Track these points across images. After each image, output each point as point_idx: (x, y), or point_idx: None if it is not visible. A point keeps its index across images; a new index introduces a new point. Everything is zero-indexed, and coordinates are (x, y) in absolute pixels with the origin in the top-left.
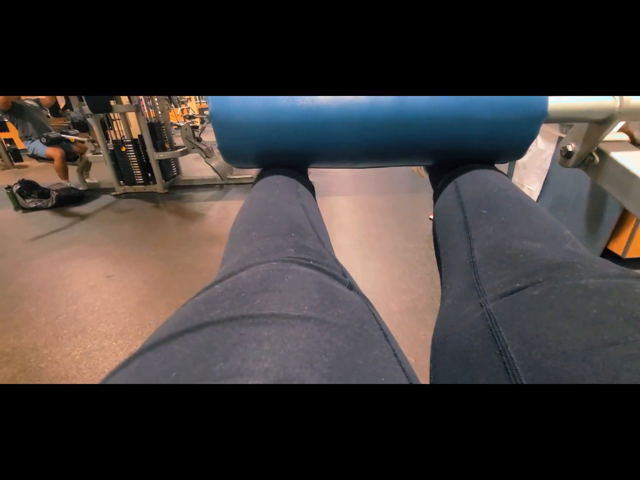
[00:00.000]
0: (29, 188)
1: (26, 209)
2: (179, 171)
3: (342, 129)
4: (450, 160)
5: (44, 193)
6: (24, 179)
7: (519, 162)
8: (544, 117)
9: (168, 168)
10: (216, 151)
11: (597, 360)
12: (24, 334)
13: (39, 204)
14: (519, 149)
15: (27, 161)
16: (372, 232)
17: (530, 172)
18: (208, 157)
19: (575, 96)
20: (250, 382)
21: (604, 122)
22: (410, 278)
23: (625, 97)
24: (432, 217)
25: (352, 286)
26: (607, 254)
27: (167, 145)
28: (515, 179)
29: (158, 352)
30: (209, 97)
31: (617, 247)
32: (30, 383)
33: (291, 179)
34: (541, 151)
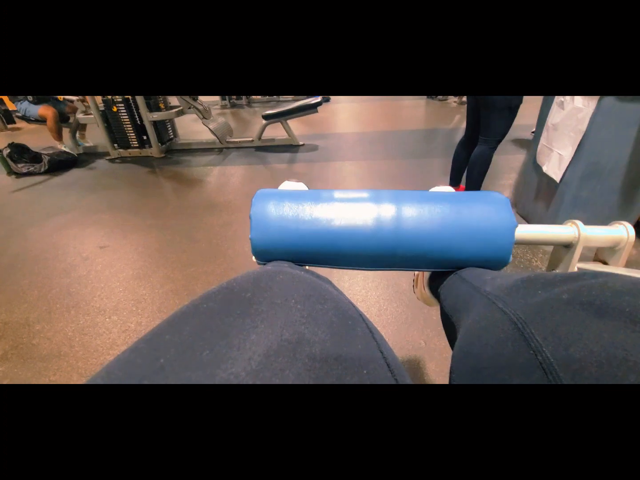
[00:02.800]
0: (19, 152)
1: (19, 174)
2: (175, 134)
3: (351, 254)
4: (447, 268)
5: (35, 157)
6: (13, 142)
7: (549, 122)
8: (509, 254)
9: (164, 130)
10: (214, 112)
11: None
12: (16, 308)
13: (31, 168)
14: (498, 265)
15: (20, 123)
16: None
17: (563, 135)
18: (205, 118)
19: (541, 227)
20: (233, 370)
21: (568, 246)
22: None
23: (582, 228)
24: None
25: (342, 293)
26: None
27: (161, 105)
28: (542, 142)
29: (150, 342)
30: (252, 214)
31: None
32: (22, 360)
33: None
34: (578, 110)
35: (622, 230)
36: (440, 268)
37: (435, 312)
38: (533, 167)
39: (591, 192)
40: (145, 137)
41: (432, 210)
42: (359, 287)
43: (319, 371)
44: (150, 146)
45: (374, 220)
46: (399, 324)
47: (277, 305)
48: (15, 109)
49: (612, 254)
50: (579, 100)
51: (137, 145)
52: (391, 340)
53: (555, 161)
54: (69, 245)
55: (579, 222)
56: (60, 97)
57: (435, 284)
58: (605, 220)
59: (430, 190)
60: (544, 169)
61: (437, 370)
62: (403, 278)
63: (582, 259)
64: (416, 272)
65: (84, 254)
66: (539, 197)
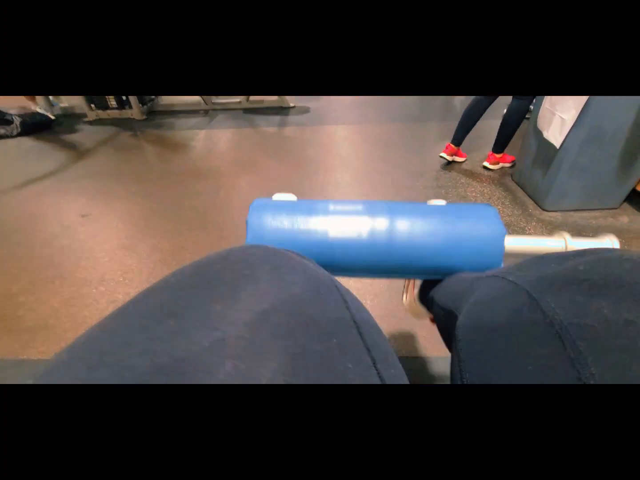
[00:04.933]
0: None
1: None
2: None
3: (345, 265)
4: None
5: (5, 120)
6: None
7: None
8: (499, 262)
9: None
10: None
11: None
12: None
13: (1, 132)
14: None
15: None
16: (375, 167)
17: (567, 97)
18: None
19: (531, 239)
20: (194, 340)
21: None
22: None
23: (570, 243)
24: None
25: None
26: (635, 195)
27: None
28: (546, 105)
29: (116, 314)
30: (249, 222)
31: None
32: (9, 332)
33: None
34: None
35: (607, 243)
36: (433, 276)
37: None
38: (533, 132)
39: (590, 158)
40: (125, 98)
41: (424, 223)
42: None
43: (288, 339)
44: (131, 107)
45: (368, 233)
46: (391, 291)
47: (244, 276)
48: None
49: None
50: None
51: (117, 106)
52: (384, 314)
53: (557, 126)
54: (47, 213)
55: (566, 235)
56: None
57: (426, 292)
58: (602, 189)
59: (426, 202)
60: (545, 134)
61: (428, 337)
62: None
63: None
64: (407, 280)
65: (65, 223)
66: (537, 164)
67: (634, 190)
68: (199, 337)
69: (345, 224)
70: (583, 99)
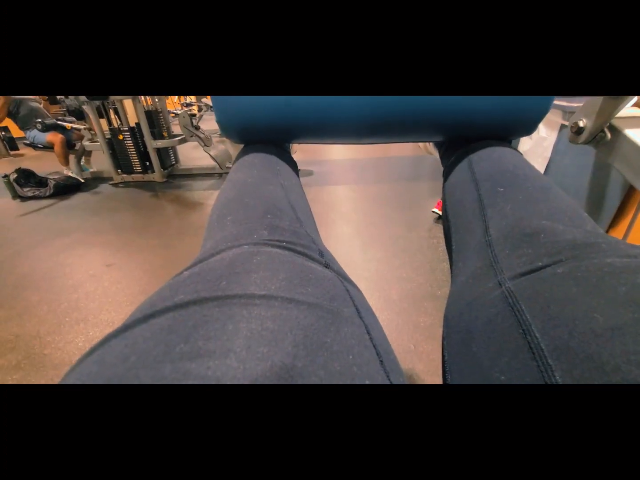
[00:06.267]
0: (26, 177)
1: (24, 198)
2: (177, 160)
3: (337, 100)
4: (462, 136)
5: (41, 182)
6: (20, 168)
7: (521, 150)
8: None
9: (166, 157)
10: (215, 139)
11: (627, 340)
12: (27, 322)
13: (36, 192)
14: (531, 122)
15: (23, 150)
16: (372, 221)
17: (532, 160)
18: (206, 146)
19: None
20: (210, 364)
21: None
22: (410, 267)
23: None
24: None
25: (328, 265)
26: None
27: (164, 134)
28: None
29: (120, 338)
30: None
31: (617, 235)
32: (35, 369)
33: (270, 157)
34: (543, 139)
35: None
36: (458, 129)
37: (423, 319)
38: None
39: None
40: (148, 163)
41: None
42: None
43: (304, 359)
44: (153, 171)
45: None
46: (390, 331)
47: (254, 293)
48: (20, 136)
49: None
50: (543, 130)
51: (141, 170)
52: None
53: None
54: (75, 263)
55: None
56: (68, 126)
57: (444, 156)
58: None
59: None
60: None
61: (425, 370)
62: (393, 290)
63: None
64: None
65: (90, 272)
66: None
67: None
68: (212, 362)
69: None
70: (544, 163)
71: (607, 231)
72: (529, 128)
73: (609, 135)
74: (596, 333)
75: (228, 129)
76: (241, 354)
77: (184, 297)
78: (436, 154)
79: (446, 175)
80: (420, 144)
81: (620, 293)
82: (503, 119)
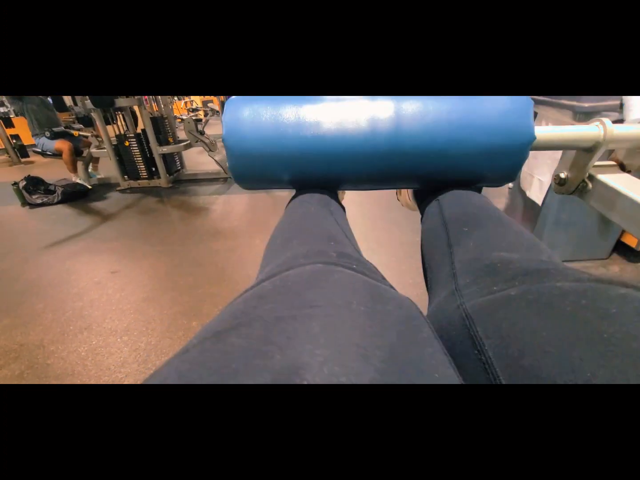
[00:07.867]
0: (34, 184)
1: (32, 205)
2: (182, 165)
3: (343, 159)
4: (439, 184)
5: (49, 189)
6: (29, 175)
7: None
8: (531, 140)
9: (172, 162)
10: (219, 144)
11: (573, 356)
12: (31, 330)
13: (45, 199)
14: (510, 174)
15: (33, 157)
16: (379, 226)
17: (541, 163)
18: (211, 151)
19: (563, 127)
20: (308, 376)
21: (590, 149)
22: (417, 272)
23: (609, 127)
24: None
25: (393, 288)
26: (621, 245)
27: (170, 139)
28: (524, 169)
29: (217, 343)
30: (224, 121)
31: (630, 240)
32: (37, 379)
33: (324, 197)
34: None
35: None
36: (439, 180)
37: None
38: (518, 191)
39: (570, 214)
40: (154, 169)
41: (436, 104)
42: None
43: (392, 375)
44: (159, 177)
45: (369, 119)
46: None
47: (339, 307)
48: (31, 143)
49: (633, 155)
50: None
51: (147, 176)
52: None
53: (537, 186)
54: (81, 270)
55: (605, 120)
56: (76, 133)
57: (419, 197)
58: (588, 241)
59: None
60: (527, 193)
61: None
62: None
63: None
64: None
65: (95, 279)
66: (525, 220)
67: (622, 242)
68: (308, 375)
69: (342, 111)
70: (554, 164)
71: (620, 237)
72: (508, 177)
73: (590, 184)
74: (545, 351)
75: (241, 178)
76: (334, 368)
77: (274, 307)
78: (415, 208)
79: (423, 223)
80: (401, 200)
81: (566, 313)
82: (485, 169)
